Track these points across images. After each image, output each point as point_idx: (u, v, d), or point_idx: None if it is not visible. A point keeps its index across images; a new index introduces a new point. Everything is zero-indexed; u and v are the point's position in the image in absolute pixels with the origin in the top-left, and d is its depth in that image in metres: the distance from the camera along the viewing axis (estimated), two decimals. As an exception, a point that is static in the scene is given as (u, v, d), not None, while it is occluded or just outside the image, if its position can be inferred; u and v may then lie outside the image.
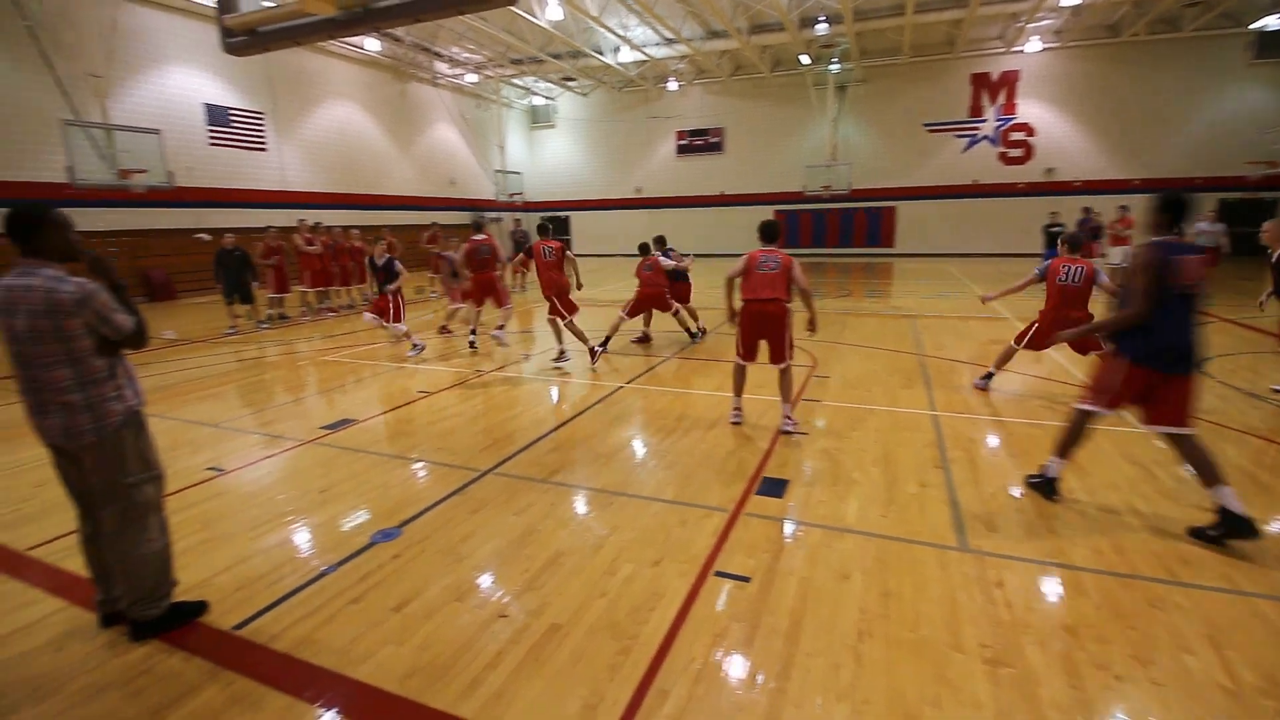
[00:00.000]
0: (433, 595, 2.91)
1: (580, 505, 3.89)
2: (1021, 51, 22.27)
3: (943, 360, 7.50)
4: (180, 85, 15.85)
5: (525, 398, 6.33)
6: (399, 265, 8.45)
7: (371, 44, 20.26)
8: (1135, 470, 4.19)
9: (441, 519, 3.68)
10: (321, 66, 19.86)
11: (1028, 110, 23.14)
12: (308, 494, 4.11)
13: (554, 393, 6.56)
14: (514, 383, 6.94)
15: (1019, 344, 6.11)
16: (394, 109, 22.85)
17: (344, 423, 5.58)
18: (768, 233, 5.22)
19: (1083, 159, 22.87)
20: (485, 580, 3.06)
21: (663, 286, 8.33)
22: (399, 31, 19.90)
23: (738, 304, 5.16)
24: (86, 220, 14.12)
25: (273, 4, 3.76)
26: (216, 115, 16.73)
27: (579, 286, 8.38)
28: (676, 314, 8.62)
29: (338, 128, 20.52)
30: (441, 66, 23.46)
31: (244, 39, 3.91)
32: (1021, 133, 23.34)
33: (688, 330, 8.90)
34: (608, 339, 7.98)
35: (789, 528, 3.51)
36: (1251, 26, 19.42)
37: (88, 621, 2.77)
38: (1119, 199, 17.76)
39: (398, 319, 8.39)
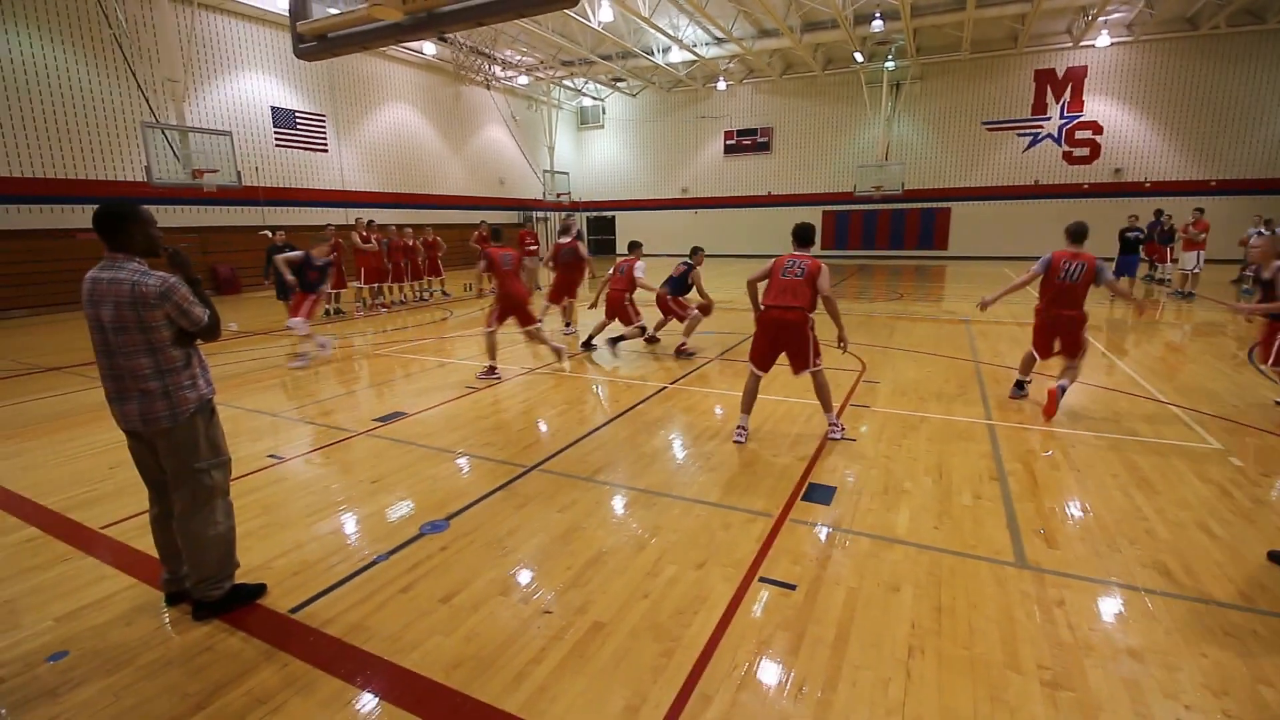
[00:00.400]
0: (479, 588, 2.97)
1: (623, 505, 3.90)
2: (1091, 46, 21.27)
3: (999, 368, 7.23)
4: (250, 89, 16.63)
5: (570, 396, 6.39)
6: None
7: (429, 48, 20.82)
8: (1209, 489, 3.95)
9: (487, 513, 3.75)
10: (380, 70, 20.52)
11: (1095, 107, 22.08)
12: (360, 484, 4.24)
13: (599, 391, 6.60)
14: (558, 380, 7.01)
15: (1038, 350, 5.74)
16: (448, 111, 23.43)
17: (395, 415, 5.75)
18: (801, 236, 4.91)
19: (1154, 159, 21.71)
20: (529, 576, 3.10)
21: (623, 292, 8.09)
22: (458, 36, 20.38)
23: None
24: (162, 217, 14.94)
25: (342, 10, 3.90)
26: (282, 118, 17.48)
27: (534, 289, 8.32)
28: (629, 326, 8.20)
29: (394, 129, 21.17)
30: (495, 69, 23.92)
31: (314, 44, 4.06)
32: (1088, 131, 22.30)
33: (619, 339, 8.50)
34: (591, 338, 8.32)
35: (837, 536, 3.44)
36: (1349, 16, 18.08)
37: (155, 599, 2.93)
38: (1193, 201, 16.78)
39: (308, 315, 8.06)
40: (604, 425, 5.40)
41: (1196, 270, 12.70)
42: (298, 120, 17.89)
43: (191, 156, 13.26)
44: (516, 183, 27.42)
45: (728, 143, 27.59)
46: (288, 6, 4.25)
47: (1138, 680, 2.33)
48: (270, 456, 4.78)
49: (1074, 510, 3.71)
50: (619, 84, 27.47)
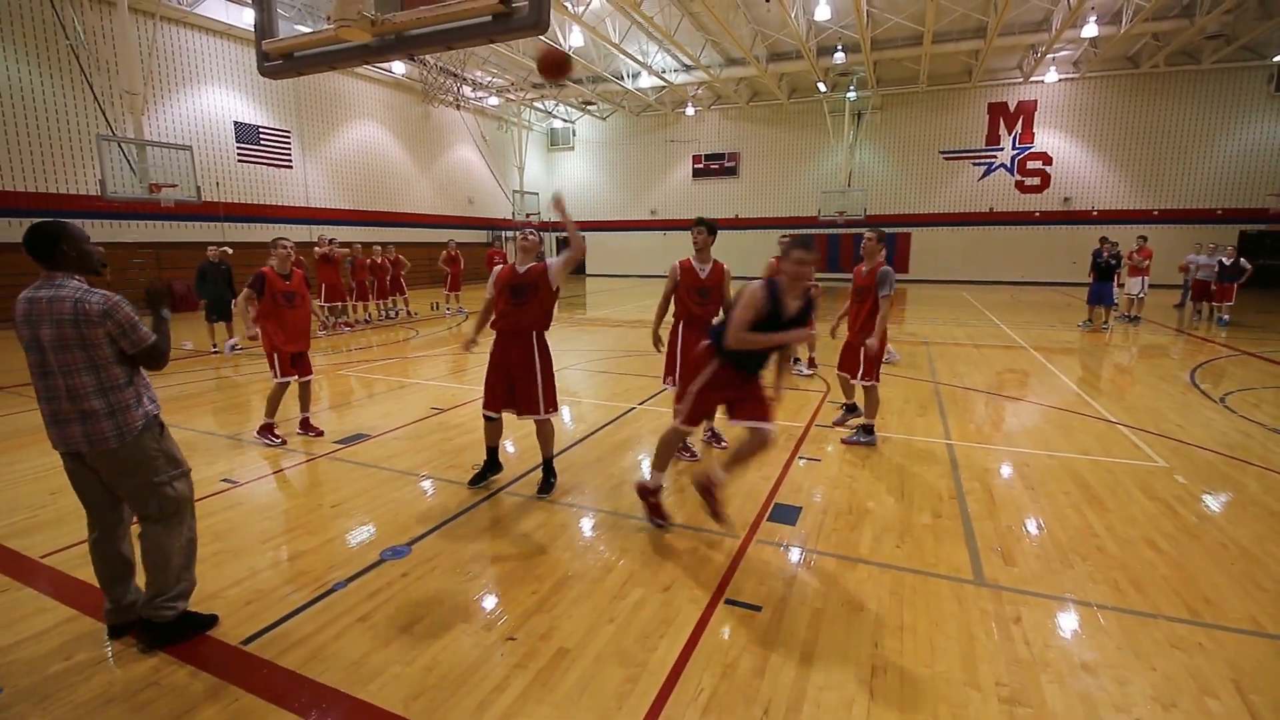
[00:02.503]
0: (441, 615, 2.90)
1: (590, 527, 3.87)
2: (1040, 82, 22.38)
3: (958, 388, 7.43)
4: (212, 103, 16.34)
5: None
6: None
7: (399, 67, 20.80)
8: (1156, 505, 4.11)
9: (451, 537, 3.68)
10: (348, 88, 20.40)
11: (1045, 139, 23.18)
12: (319, 508, 4.13)
13: (568, 412, 6.57)
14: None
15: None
16: (417, 130, 23.36)
17: (357, 437, 5.62)
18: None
19: (1100, 188, 22.82)
20: (493, 602, 3.04)
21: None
22: (428, 57, 20.42)
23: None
24: (116, 233, 14.50)
25: (309, 30, 3.88)
26: (245, 133, 17.20)
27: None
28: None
29: (361, 147, 21.01)
30: (465, 90, 23.98)
31: (280, 63, 4.02)
32: (1038, 161, 23.36)
33: None
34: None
35: (801, 556, 3.47)
36: (1275, 60, 19.41)
37: (97, 631, 2.79)
38: (1137, 229, 17.66)
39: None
40: (572, 447, 5.37)
41: (1142, 295, 13.31)
42: (262, 136, 17.63)
43: (149, 171, 12.92)
44: (486, 202, 27.39)
45: (696, 166, 28.08)
46: (253, 24, 4.21)
47: (1091, 694, 2.39)
48: (224, 481, 4.62)
49: (1029, 528, 3.82)
50: (589, 107, 27.79)
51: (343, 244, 13.15)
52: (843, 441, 5.40)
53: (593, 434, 5.73)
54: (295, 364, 5.54)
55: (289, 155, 18.49)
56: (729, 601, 3.01)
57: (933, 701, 2.35)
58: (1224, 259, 12.80)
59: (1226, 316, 12.93)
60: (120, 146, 12.34)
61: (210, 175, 16.05)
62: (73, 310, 2.42)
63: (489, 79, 23.82)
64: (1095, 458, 5.06)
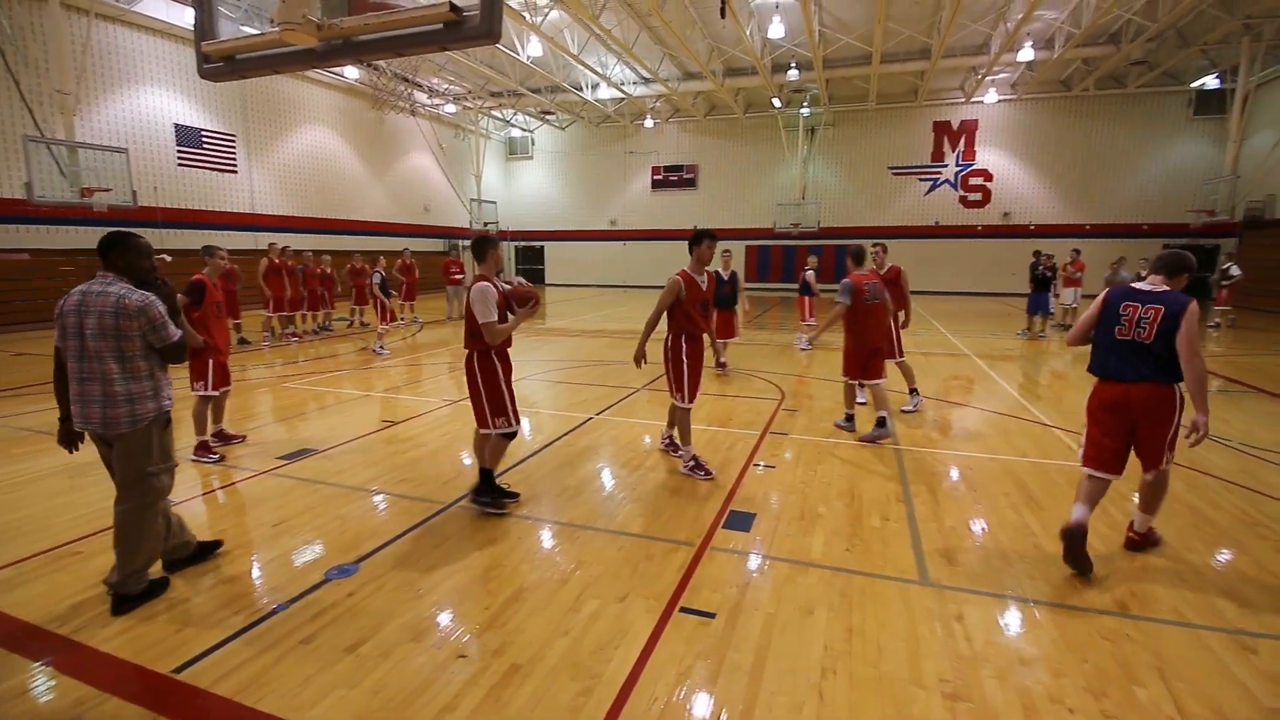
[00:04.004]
0: (389, 635, 2.82)
1: (546, 539, 3.83)
2: (980, 102, 23.41)
3: (905, 394, 7.65)
4: (151, 105, 15.66)
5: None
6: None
7: (351, 72, 20.38)
8: (1089, 506, 4.31)
9: (401, 554, 3.59)
10: (298, 92, 19.86)
11: (986, 157, 24.24)
12: (260, 527, 3.97)
13: (525, 423, 6.48)
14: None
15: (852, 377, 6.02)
16: (370, 136, 22.89)
17: (303, 452, 5.44)
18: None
19: (1037, 204, 23.96)
20: (445, 618, 2.98)
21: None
22: (381, 62, 20.07)
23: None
24: (43, 238, 13.74)
25: (253, 32, 3.78)
26: (187, 136, 16.53)
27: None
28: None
29: (311, 152, 20.44)
30: (420, 96, 23.65)
31: (221, 65, 3.88)
32: (980, 178, 24.40)
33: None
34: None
35: (755, 562, 3.51)
36: (1192, 85, 20.79)
37: (20, 664, 2.62)
38: (1071, 242, 18.59)
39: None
40: (528, 458, 5.32)
41: (1075, 305, 14.00)
42: (204, 139, 16.98)
43: (80, 174, 12.31)
44: (442, 210, 27.00)
45: (655, 178, 28.32)
46: (193, 24, 4.07)
47: (1028, 688, 2.48)
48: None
49: (971, 528, 3.96)
50: (548, 117, 27.77)
51: (296, 252, 12.73)
52: (904, 411, 6.61)
53: (550, 445, 5.68)
54: (226, 375, 5.44)
55: (234, 160, 17.85)
56: (684, 610, 3.02)
57: (879, 701, 2.40)
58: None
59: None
60: (49, 148, 11.71)
61: (148, 179, 15.35)
62: (115, 304, 2.87)
63: (445, 86, 23.56)
64: (1033, 460, 5.28)
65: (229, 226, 17.49)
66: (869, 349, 5.76)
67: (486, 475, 4.20)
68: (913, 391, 6.89)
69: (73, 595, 3.14)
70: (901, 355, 6.77)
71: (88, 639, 2.79)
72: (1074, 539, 3.26)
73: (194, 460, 5.21)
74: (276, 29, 3.24)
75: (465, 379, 4.10)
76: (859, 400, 6.40)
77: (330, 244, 19.30)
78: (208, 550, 3.52)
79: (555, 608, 3.04)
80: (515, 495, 4.34)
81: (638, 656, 2.66)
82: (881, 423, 5.71)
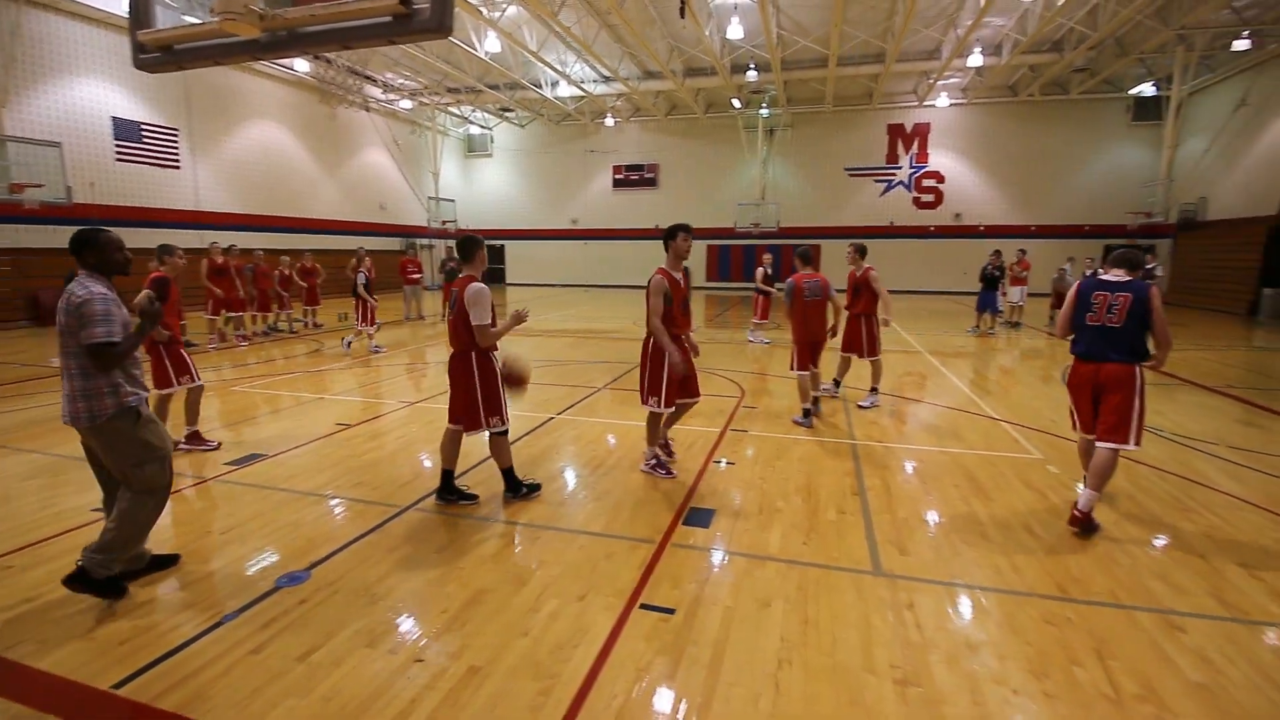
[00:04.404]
0: (342, 641, 2.76)
1: (505, 541, 3.79)
2: (932, 106, 24.10)
3: (861, 390, 7.83)
4: (86, 97, 14.91)
5: (452, 429, 6.16)
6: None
7: (301, 64, 19.78)
8: (1032, 494, 4.50)
9: (355, 559, 3.51)
10: (245, 85, 19.18)
11: (938, 159, 24.99)
12: (208, 535, 3.83)
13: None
14: (436, 415, 6.75)
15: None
16: (322, 131, 22.26)
17: (252, 458, 5.26)
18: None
19: (986, 205, 24.81)
20: (400, 623, 2.92)
21: None
22: (331, 55, 19.53)
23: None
24: (-34, 237, 12.94)
25: (193, 21, 3.64)
26: (126, 130, 15.80)
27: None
28: None
29: (259, 148, 19.77)
30: (374, 91, 23.12)
31: (158, 55, 3.72)
32: (933, 180, 25.14)
33: None
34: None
35: (714, 557, 3.55)
36: (1130, 92, 21.83)
37: (-64, 686, 2.46)
38: (1019, 243, 19.33)
39: None
40: (487, 459, 5.24)
41: (1021, 303, 14.57)
42: (144, 133, 16.25)
43: (10, 169, 11.65)
44: (399, 208, 26.45)
45: (616, 177, 28.30)
46: (128, 11, 3.89)
47: (974, 671, 2.58)
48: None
49: (922, 519, 4.08)
50: (507, 114, 27.48)
51: (242, 250, 12.28)
52: (860, 406, 7.00)
53: (511, 444, 5.61)
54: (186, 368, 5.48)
55: (176, 155, 17.14)
56: (644, 606, 3.03)
57: (833, 689, 2.46)
58: (1084, 271, 14.22)
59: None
60: (-27, 141, 11.05)
61: (83, 174, 14.62)
62: (66, 302, 2.90)
63: (401, 81, 23.08)
64: (981, 452, 5.48)
65: (173, 224, 16.78)
66: (811, 341, 6.29)
67: (448, 475, 4.26)
68: (873, 390, 7.17)
69: (3, 611, 2.98)
70: (876, 354, 7.13)
71: (21, 656, 2.65)
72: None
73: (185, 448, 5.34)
74: (217, 19, 3.12)
75: (451, 379, 4.07)
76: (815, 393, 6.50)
77: (281, 242, 18.67)
78: (164, 564, 3.39)
79: (514, 609, 3.01)
80: (474, 497, 4.30)
81: (597, 654, 2.66)
82: (806, 414, 6.24)
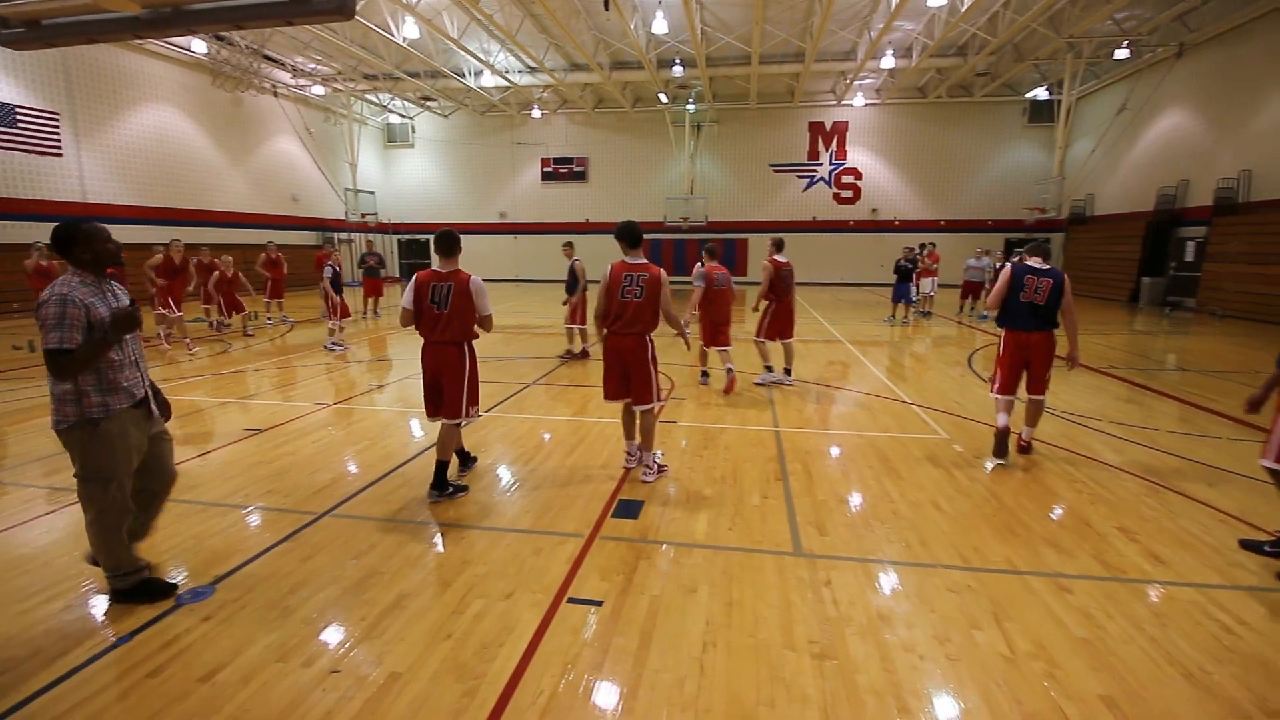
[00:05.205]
0: (251, 658, 2.61)
1: (430, 542, 3.69)
2: (850, 105, 25.08)
3: (766, 369, 8.09)
4: (-59, 74, 13.34)
5: (372, 431, 5.94)
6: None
7: (199, 45, 18.39)
8: (939, 472, 4.78)
9: (266, 571, 3.33)
10: (134, 65, 17.65)
11: (856, 157, 26.05)
12: (98, 553, 3.52)
13: (411, 424, 6.21)
14: (363, 414, 6.48)
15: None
16: (225, 118, 20.80)
17: (151, 467, 4.88)
18: (632, 237, 4.42)
19: (900, 201, 26.10)
20: (315, 635, 2.79)
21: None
22: (228, 35, 18.25)
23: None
24: None
25: (59, -7, 3.31)
26: (-6, 113, 14.25)
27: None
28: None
29: (154, 134, 18.27)
30: (283, 76, 21.81)
31: (23, 31, 3.40)
32: (851, 176, 26.20)
33: None
34: None
35: (643, 547, 3.59)
36: (1026, 96, 23.44)
37: None
38: (930, 237, 20.45)
39: None
40: (410, 460, 5.10)
41: (932, 294, 15.42)
42: (19, 117, 14.71)
43: None
44: (314, 201, 25.12)
45: (545, 170, 27.94)
46: (-16, -19, 3.50)
47: (885, 641, 2.72)
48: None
49: (840, 500, 4.27)
50: (429, 103, 26.57)
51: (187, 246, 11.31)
52: (756, 383, 7.70)
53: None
54: None
55: (57, 141, 15.60)
56: (571, 600, 3.03)
57: (755, 667, 2.54)
58: (994, 263, 15.21)
59: (987, 313, 15.37)
60: None
61: (-57, 161, 13.10)
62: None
63: (312, 66, 21.87)
64: (893, 434, 5.78)
65: (55, 216, 15.27)
66: (715, 322, 7.34)
67: (443, 468, 4.28)
68: (786, 371, 7.81)
69: None
70: (790, 336, 7.79)
71: None
72: (1003, 436, 4.93)
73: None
74: (89, -9, 2.86)
75: (443, 371, 4.11)
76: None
77: (184, 236, 17.30)
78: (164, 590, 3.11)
79: (438, 611, 2.94)
80: (465, 488, 4.41)
81: (524, 651, 2.64)
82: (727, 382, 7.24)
